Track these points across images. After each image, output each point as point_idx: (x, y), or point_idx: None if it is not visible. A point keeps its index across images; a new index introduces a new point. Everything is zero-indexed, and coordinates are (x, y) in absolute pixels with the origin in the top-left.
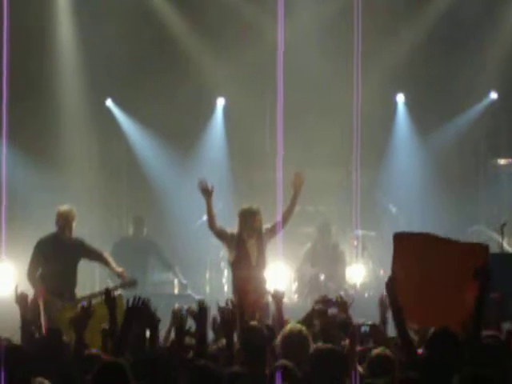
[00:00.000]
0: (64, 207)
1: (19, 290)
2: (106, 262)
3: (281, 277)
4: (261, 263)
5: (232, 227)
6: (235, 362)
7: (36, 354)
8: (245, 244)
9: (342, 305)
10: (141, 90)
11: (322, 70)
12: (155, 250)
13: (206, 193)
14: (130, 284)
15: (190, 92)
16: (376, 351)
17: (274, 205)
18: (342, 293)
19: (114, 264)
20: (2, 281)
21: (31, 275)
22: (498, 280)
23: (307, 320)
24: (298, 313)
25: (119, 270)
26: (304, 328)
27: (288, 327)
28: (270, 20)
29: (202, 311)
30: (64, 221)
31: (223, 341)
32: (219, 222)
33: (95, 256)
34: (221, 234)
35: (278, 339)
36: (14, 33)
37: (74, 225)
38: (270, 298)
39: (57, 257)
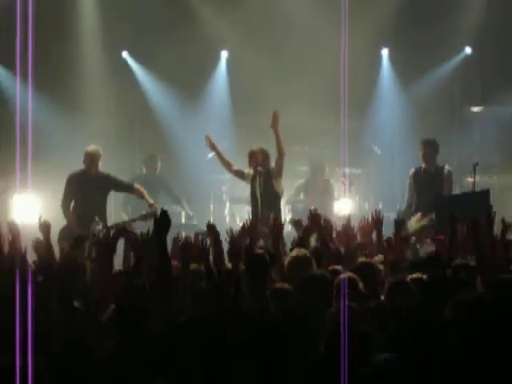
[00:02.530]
0: (91, 147)
1: (43, 219)
2: (138, 192)
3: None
4: (268, 200)
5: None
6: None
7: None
8: (254, 182)
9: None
10: (153, 43)
11: (315, 26)
12: (165, 185)
13: (212, 146)
14: (151, 216)
15: (197, 44)
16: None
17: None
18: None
19: (146, 195)
20: (29, 210)
21: (64, 206)
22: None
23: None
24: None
25: (151, 201)
26: (307, 252)
27: (294, 252)
28: None
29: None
30: (90, 160)
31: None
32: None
33: (124, 187)
34: (238, 174)
35: (285, 262)
36: None
37: (100, 163)
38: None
39: (86, 189)
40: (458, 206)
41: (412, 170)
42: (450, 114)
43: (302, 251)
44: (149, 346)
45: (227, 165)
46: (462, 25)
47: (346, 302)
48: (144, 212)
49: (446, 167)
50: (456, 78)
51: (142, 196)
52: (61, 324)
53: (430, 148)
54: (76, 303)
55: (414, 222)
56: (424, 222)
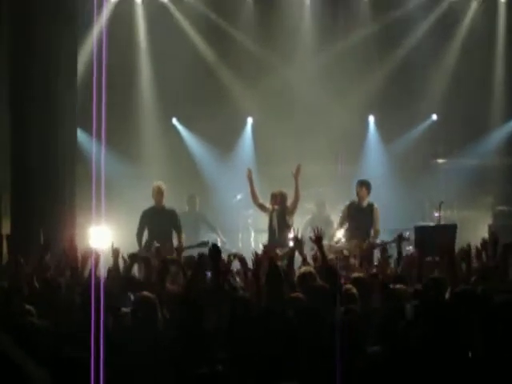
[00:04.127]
0: (158, 183)
1: (114, 246)
2: (179, 233)
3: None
4: (282, 231)
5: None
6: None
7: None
8: (272, 217)
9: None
10: (196, 111)
11: (318, 98)
12: (203, 218)
13: (250, 178)
14: (203, 244)
15: (228, 112)
16: None
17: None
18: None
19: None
20: (103, 240)
21: (138, 235)
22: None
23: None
24: None
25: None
26: (312, 269)
27: (302, 269)
28: (282, 62)
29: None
30: (157, 193)
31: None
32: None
33: (176, 229)
34: (263, 208)
35: (295, 277)
36: (110, 60)
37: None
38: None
39: (156, 221)
40: (433, 234)
41: (347, 203)
42: (421, 164)
43: (308, 268)
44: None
45: (255, 196)
46: (430, 96)
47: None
48: (199, 241)
49: (375, 205)
50: (425, 137)
51: (179, 234)
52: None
53: (365, 187)
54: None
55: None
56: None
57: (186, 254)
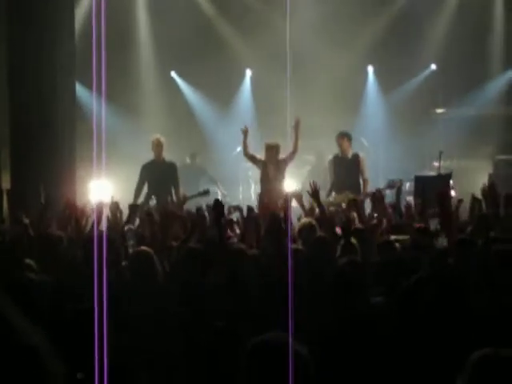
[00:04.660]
0: (156, 137)
1: (114, 199)
2: (175, 187)
3: (290, 188)
4: (278, 180)
5: (260, 155)
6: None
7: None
8: (266, 167)
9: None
10: (194, 64)
11: (319, 50)
12: (204, 171)
13: (245, 133)
14: (204, 193)
15: (227, 64)
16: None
17: (283, 138)
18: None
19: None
20: (104, 192)
21: (137, 189)
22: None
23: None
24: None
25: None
26: (313, 220)
27: (302, 221)
28: (280, 15)
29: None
30: (156, 146)
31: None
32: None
33: (175, 184)
34: (252, 159)
35: (296, 228)
36: (111, 21)
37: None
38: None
39: (156, 174)
40: (430, 183)
41: (330, 157)
42: (420, 114)
43: (308, 219)
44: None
45: (245, 148)
46: (429, 46)
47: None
48: (198, 192)
49: (360, 154)
50: (424, 87)
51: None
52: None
53: (346, 138)
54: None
55: (337, 196)
56: (346, 195)
57: (186, 204)
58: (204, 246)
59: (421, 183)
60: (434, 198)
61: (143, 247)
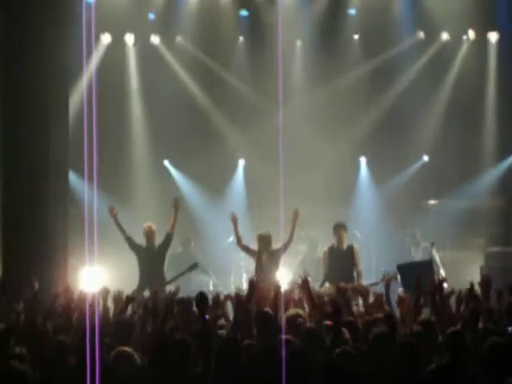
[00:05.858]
0: (148, 225)
1: (104, 287)
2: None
3: (283, 278)
4: (271, 270)
5: (253, 245)
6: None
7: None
8: (260, 257)
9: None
10: (187, 154)
11: (311, 141)
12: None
13: (234, 221)
14: (192, 268)
15: (220, 155)
16: None
17: (278, 233)
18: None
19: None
20: (96, 280)
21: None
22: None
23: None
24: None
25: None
26: (300, 311)
27: (291, 311)
28: (273, 105)
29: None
30: (147, 235)
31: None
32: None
33: (166, 242)
34: (246, 249)
35: (283, 319)
36: (101, 103)
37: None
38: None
39: (148, 259)
40: (413, 271)
41: (325, 248)
42: (413, 205)
43: (297, 310)
44: None
45: (238, 238)
46: (421, 137)
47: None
48: (188, 267)
49: (355, 245)
50: (417, 178)
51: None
52: None
53: (343, 229)
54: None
55: (330, 287)
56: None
57: (178, 281)
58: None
59: (404, 271)
60: (415, 283)
61: (124, 348)
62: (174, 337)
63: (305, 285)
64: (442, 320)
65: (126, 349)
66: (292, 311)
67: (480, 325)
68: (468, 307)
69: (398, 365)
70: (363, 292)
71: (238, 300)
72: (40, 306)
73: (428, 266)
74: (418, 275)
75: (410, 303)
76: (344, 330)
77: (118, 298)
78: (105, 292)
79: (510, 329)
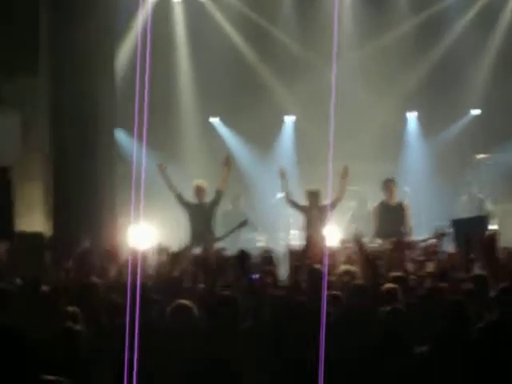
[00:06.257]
0: (198, 181)
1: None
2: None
3: (332, 234)
4: (320, 226)
5: (303, 201)
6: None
7: None
8: (310, 213)
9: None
10: (235, 110)
11: (360, 97)
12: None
13: (283, 175)
14: (242, 225)
15: (269, 112)
16: None
17: (326, 188)
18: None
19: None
20: (143, 237)
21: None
22: None
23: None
24: None
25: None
26: (351, 267)
27: (343, 267)
28: (321, 61)
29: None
30: (199, 191)
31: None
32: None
33: (216, 199)
34: (295, 205)
35: (337, 276)
36: (154, 70)
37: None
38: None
39: (199, 217)
40: (468, 227)
41: (375, 204)
42: (462, 160)
43: (349, 267)
44: None
45: (287, 194)
46: (470, 92)
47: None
48: (238, 224)
49: (404, 202)
50: (466, 133)
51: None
52: None
53: (393, 185)
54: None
55: (383, 243)
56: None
57: (228, 238)
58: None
59: (460, 227)
60: (472, 240)
61: (182, 300)
62: (223, 294)
63: (359, 242)
64: (494, 275)
65: (186, 302)
66: (345, 267)
67: None
68: None
69: (448, 323)
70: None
71: (296, 257)
72: (89, 264)
73: (484, 221)
74: (471, 230)
75: (460, 259)
76: (397, 287)
77: (167, 254)
78: (161, 249)
79: None
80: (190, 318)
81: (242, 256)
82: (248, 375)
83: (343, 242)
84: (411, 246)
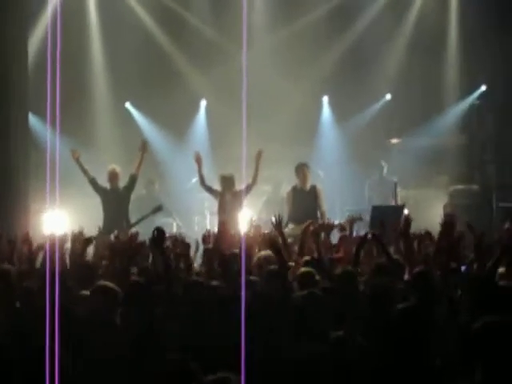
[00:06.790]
0: (112, 166)
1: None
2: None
3: (245, 219)
4: (234, 211)
5: (217, 186)
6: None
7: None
8: (223, 198)
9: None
10: (149, 95)
11: (274, 81)
12: (159, 202)
13: (198, 161)
14: (156, 210)
15: (182, 95)
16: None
17: (240, 172)
18: None
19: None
20: (58, 223)
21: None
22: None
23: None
24: None
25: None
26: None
27: (261, 253)
28: (234, 46)
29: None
30: (112, 176)
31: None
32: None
33: (130, 183)
34: (209, 190)
35: (254, 262)
36: (65, 55)
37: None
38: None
39: (112, 202)
40: (385, 214)
41: (289, 188)
42: (376, 145)
43: (266, 252)
44: None
45: (202, 178)
46: (384, 75)
47: None
48: (152, 209)
49: (317, 186)
50: (379, 118)
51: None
52: None
53: (306, 169)
54: None
55: (295, 227)
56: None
57: (142, 224)
58: (146, 278)
59: (378, 213)
60: (378, 223)
61: (105, 282)
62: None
63: (279, 226)
64: (408, 260)
65: (108, 283)
66: (264, 253)
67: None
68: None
69: (366, 304)
70: (328, 228)
71: (207, 242)
72: (1, 252)
73: (400, 210)
74: (388, 217)
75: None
76: (314, 270)
77: (78, 239)
78: (75, 235)
79: (463, 268)
80: (115, 299)
81: (158, 234)
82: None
83: (257, 227)
84: (324, 228)
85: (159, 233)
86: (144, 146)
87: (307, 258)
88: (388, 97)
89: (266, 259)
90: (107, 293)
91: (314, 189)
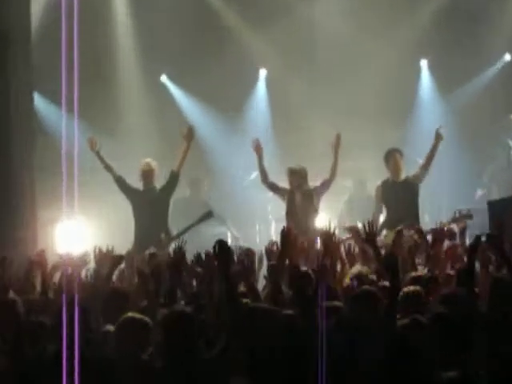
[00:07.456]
0: (146, 160)
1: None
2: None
3: (321, 224)
4: (307, 214)
5: (284, 183)
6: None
7: None
8: (292, 199)
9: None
10: (190, 65)
11: (351, 41)
12: (209, 208)
13: (258, 150)
14: (205, 217)
15: (234, 64)
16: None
17: (311, 161)
18: None
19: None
20: (76, 237)
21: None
22: None
23: None
24: None
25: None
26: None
27: (353, 270)
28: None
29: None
30: (146, 173)
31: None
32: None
33: (171, 182)
34: (274, 188)
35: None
36: (82, 19)
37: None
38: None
39: (147, 208)
40: (507, 210)
41: (378, 183)
42: (491, 121)
43: (361, 268)
44: None
45: (264, 174)
46: (500, 32)
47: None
48: (200, 216)
49: (413, 174)
50: (496, 86)
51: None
52: None
53: (399, 156)
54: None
55: (390, 234)
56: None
57: (188, 235)
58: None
59: (498, 210)
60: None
61: (133, 314)
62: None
63: (371, 236)
64: None
65: (137, 315)
66: (356, 269)
67: None
68: None
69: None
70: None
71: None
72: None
73: None
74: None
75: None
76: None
77: (105, 259)
78: (101, 253)
79: None
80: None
81: (221, 248)
82: None
83: (353, 228)
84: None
85: (222, 247)
86: (190, 133)
87: (413, 273)
88: (507, 57)
89: (358, 278)
90: (136, 327)
91: (409, 180)
